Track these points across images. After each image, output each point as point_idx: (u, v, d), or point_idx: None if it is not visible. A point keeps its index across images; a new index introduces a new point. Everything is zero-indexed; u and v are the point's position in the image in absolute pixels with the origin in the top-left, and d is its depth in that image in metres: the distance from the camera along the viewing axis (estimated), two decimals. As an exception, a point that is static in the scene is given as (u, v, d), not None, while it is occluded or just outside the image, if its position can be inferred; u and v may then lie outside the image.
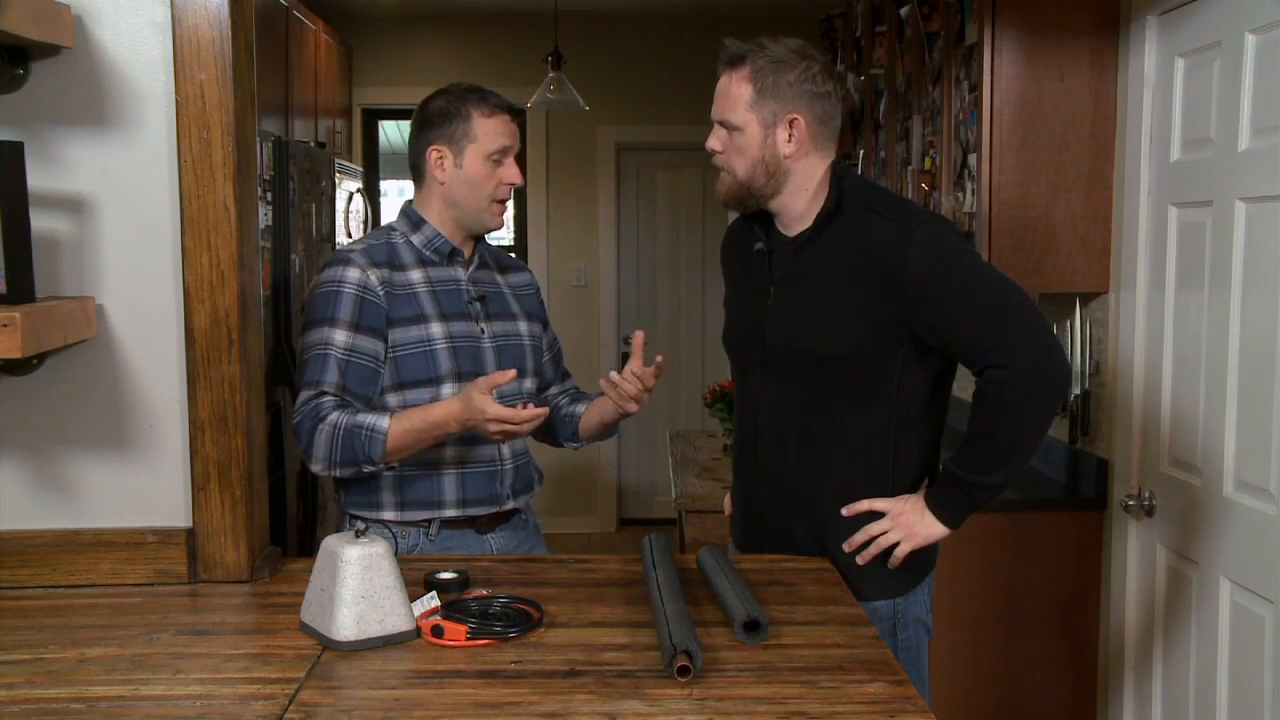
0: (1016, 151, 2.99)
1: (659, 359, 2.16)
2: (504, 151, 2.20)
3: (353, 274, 2.14)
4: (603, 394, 2.26)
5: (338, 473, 2.11)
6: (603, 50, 6.09)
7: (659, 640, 1.62)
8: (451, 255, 2.24)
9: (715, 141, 2.07)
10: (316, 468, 2.11)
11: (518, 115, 2.24)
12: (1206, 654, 2.59)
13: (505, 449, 2.26)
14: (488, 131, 2.19)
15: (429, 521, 2.21)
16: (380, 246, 2.21)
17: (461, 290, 2.24)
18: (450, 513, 2.21)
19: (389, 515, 2.21)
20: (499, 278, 2.35)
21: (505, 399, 2.20)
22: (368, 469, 2.10)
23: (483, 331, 2.24)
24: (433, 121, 2.21)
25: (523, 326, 2.33)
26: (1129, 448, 2.93)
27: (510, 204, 2.33)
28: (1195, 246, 2.63)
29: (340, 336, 2.12)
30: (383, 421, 2.07)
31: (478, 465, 2.23)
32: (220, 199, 1.89)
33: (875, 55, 4.29)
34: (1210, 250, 2.56)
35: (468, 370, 2.19)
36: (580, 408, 2.38)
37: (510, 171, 2.22)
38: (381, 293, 2.15)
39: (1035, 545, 3.08)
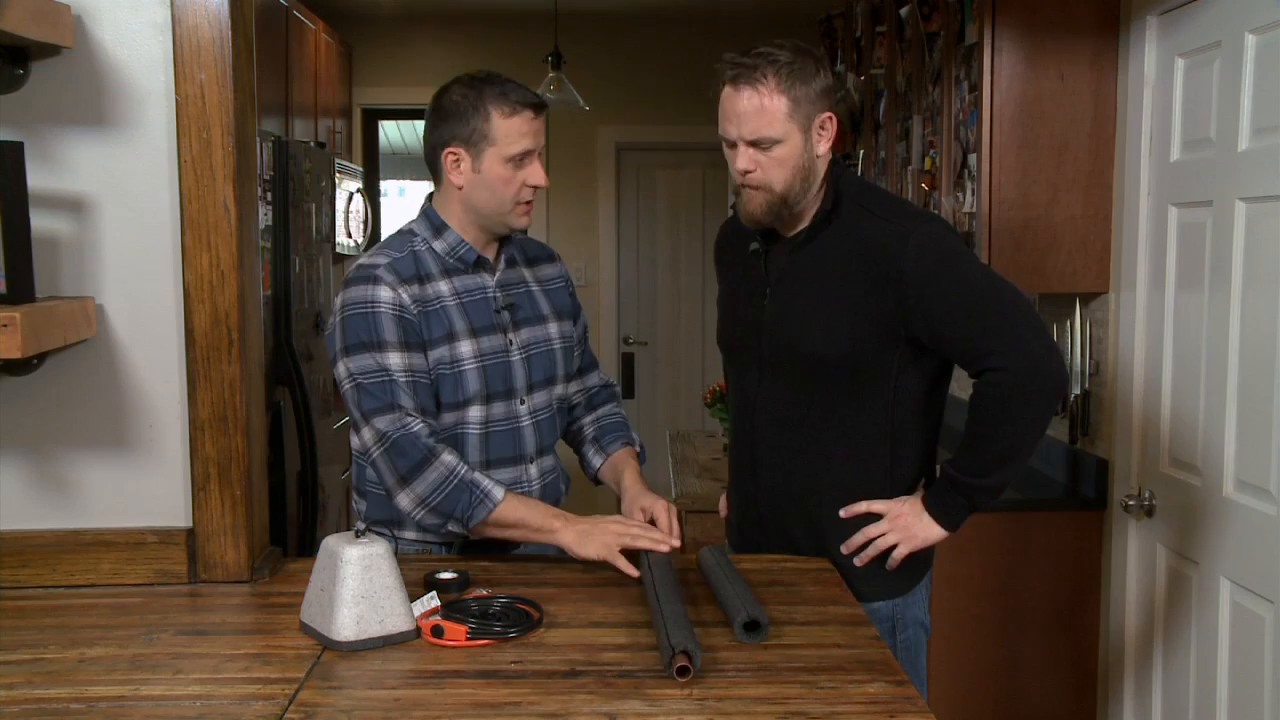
0: (1016, 151, 2.99)
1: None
2: (526, 154, 2.04)
3: (385, 294, 2.01)
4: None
5: (420, 513, 1.99)
6: (603, 50, 6.09)
7: (657, 641, 1.62)
8: (477, 263, 2.12)
9: (748, 162, 1.97)
10: (404, 499, 1.99)
11: (542, 110, 2.07)
12: (1206, 654, 2.59)
13: (534, 468, 2.17)
14: (508, 133, 2.02)
15: (450, 544, 2.15)
16: (405, 259, 2.07)
17: (489, 299, 2.12)
18: (476, 539, 2.12)
19: (410, 535, 2.13)
20: (527, 273, 2.23)
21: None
22: (452, 527, 2.00)
23: (510, 343, 2.13)
24: (448, 118, 2.04)
25: (552, 328, 2.21)
26: (1129, 448, 2.93)
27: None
28: (1195, 246, 2.63)
29: (395, 359, 1.99)
30: (497, 491, 1.98)
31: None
32: (220, 199, 1.89)
33: (875, 55, 4.29)
34: (1210, 250, 2.56)
35: (496, 390, 2.10)
36: (598, 460, 2.30)
37: (534, 173, 2.06)
38: (415, 310, 2.03)
39: (1035, 545, 3.08)
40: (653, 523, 2.08)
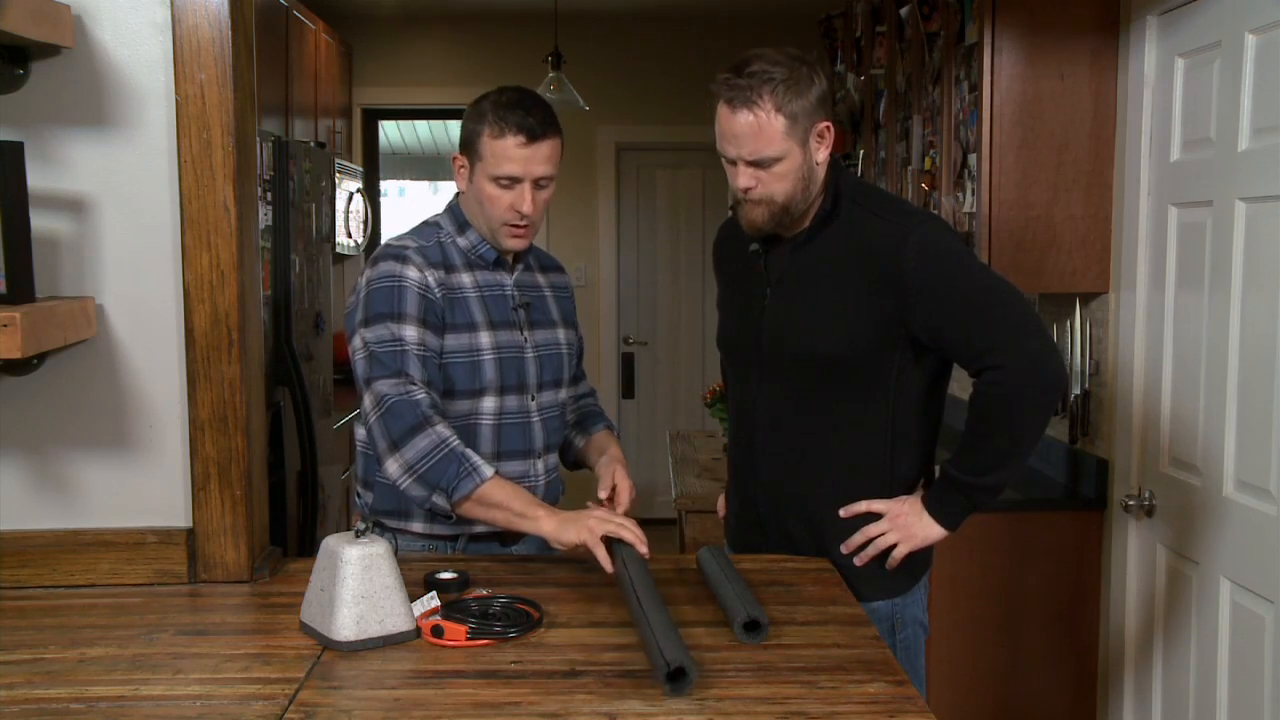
0: (1016, 151, 2.99)
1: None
2: (512, 178, 2.04)
3: (412, 273, 2.05)
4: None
5: (407, 481, 1.96)
6: (603, 50, 6.09)
7: (646, 652, 1.58)
8: (497, 262, 2.17)
9: (749, 179, 1.96)
10: (392, 465, 1.97)
11: (538, 139, 2.04)
12: (1206, 654, 2.59)
13: (540, 464, 2.20)
14: (494, 154, 2.04)
15: (456, 536, 2.16)
16: (433, 248, 2.12)
17: (507, 296, 2.17)
18: (480, 528, 2.13)
19: (417, 527, 2.14)
20: (541, 279, 2.28)
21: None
22: (436, 499, 1.96)
23: (525, 341, 2.17)
24: (464, 125, 2.11)
25: (561, 334, 2.26)
26: (1129, 448, 2.93)
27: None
28: (1195, 246, 2.63)
29: (411, 332, 2.02)
30: (486, 469, 1.95)
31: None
32: (220, 199, 1.90)
33: (875, 55, 4.29)
34: (1210, 250, 2.56)
35: (511, 383, 2.13)
36: (581, 441, 2.33)
37: (519, 199, 2.06)
38: (439, 294, 2.07)
39: (1035, 545, 3.08)
40: (613, 496, 2.13)
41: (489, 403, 2.12)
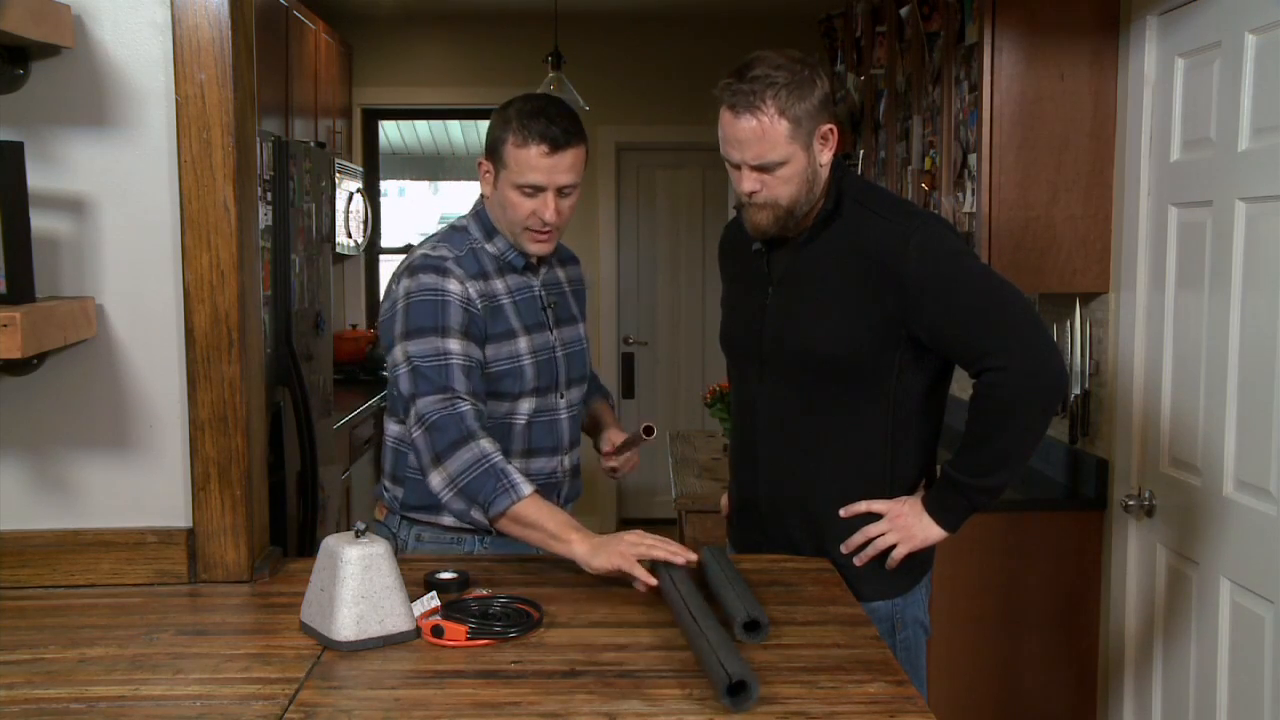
0: (1016, 151, 2.99)
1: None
2: (535, 187, 2.06)
3: (454, 286, 2.06)
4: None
5: (448, 495, 1.97)
6: (603, 50, 6.09)
7: (704, 665, 1.53)
8: (525, 268, 2.20)
9: (753, 184, 1.97)
10: (435, 478, 1.98)
11: (561, 148, 2.05)
12: (1206, 654, 2.59)
13: (567, 460, 2.24)
14: (518, 162, 2.06)
15: (487, 531, 2.15)
16: (467, 257, 2.13)
17: (536, 298, 2.21)
18: None
19: (448, 521, 2.15)
20: (561, 274, 2.32)
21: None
22: (475, 514, 1.97)
23: (555, 340, 2.22)
24: (490, 131, 2.13)
25: (580, 329, 2.31)
26: (1129, 448, 2.93)
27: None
28: (1195, 246, 2.63)
29: (455, 345, 2.03)
30: (525, 487, 1.94)
31: (540, 478, 2.17)
32: (220, 199, 1.90)
33: (875, 55, 4.29)
34: (1210, 250, 2.56)
35: (545, 384, 2.17)
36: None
37: (542, 206, 2.07)
38: (480, 306, 2.09)
39: (1035, 545, 3.08)
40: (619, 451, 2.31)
41: (526, 405, 2.16)
